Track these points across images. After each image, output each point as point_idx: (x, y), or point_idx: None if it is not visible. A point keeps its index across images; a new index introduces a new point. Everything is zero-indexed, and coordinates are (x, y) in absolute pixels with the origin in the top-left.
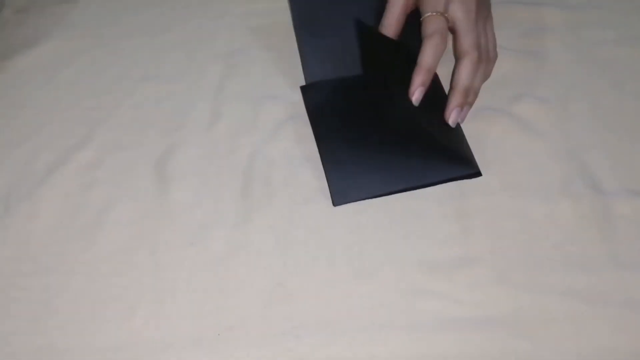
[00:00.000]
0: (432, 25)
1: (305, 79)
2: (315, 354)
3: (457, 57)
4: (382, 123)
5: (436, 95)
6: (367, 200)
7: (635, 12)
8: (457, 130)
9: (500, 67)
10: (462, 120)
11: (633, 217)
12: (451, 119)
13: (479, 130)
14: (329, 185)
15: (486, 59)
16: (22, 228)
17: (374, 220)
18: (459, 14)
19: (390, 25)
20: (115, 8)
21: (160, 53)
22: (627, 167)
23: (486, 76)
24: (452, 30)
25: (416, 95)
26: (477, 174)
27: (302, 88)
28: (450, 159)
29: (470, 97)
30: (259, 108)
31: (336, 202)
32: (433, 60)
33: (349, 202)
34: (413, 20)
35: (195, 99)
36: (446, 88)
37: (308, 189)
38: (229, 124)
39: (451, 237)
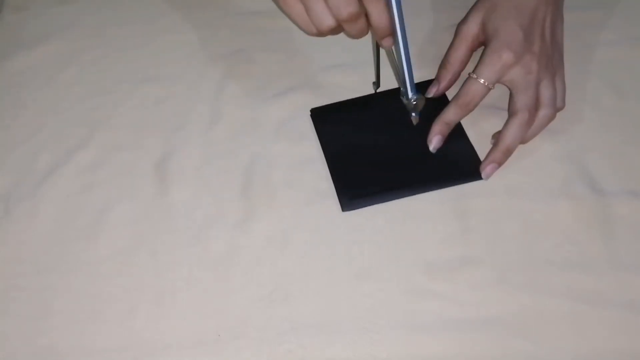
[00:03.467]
0: (470, 88)
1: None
2: (316, 354)
3: (509, 114)
4: (389, 134)
5: (441, 105)
6: None
7: (635, 12)
8: (463, 135)
9: None
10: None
11: (633, 218)
12: (484, 173)
13: (480, 130)
14: (336, 191)
15: (549, 112)
16: (23, 228)
17: (374, 220)
18: (516, 77)
19: (454, 63)
20: (115, 8)
21: (160, 53)
22: (626, 168)
23: (549, 121)
24: (509, 89)
25: (434, 141)
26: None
27: (312, 110)
28: (458, 165)
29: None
30: (259, 108)
31: (345, 208)
32: (454, 118)
33: (357, 208)
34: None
35: (196, 99)
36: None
37: (308, 189)
38: (229, 124)
39: (451, 238)
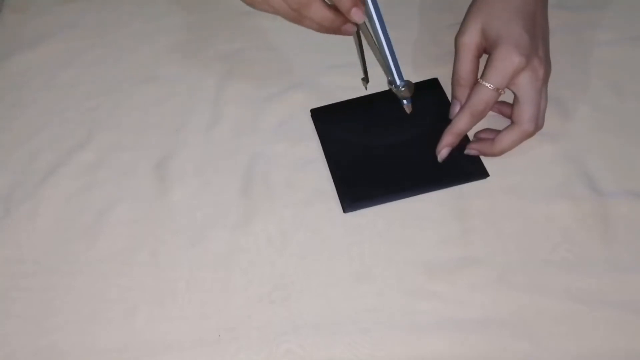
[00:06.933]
0: (482, 96)
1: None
2: (316, 355)
3: (513, 121)
4: (390, 134)
5: (441, 104)
6: None
7: (635, 12)
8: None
9: None
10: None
11: (632, 218)
12: (442, 153)
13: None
14: (338, 193)
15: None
16: (23, 229)
17: (374, 221)
18: (525, 82)
19: (467, 78)
20: (115, 8)
21: (160, 53)
22: (626, 168)
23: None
24: (515, 95)
25: (442, 153)
26: (484, 175)
27: (312, 111)
28: (458, 166)
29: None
30: (259, 109)
31: (346, 209)
32: (466, 128)
33: (359, 209)
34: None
35: (196, 99)
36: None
37: (308, 190)
38: (229, 124)
39: (451, 239)
